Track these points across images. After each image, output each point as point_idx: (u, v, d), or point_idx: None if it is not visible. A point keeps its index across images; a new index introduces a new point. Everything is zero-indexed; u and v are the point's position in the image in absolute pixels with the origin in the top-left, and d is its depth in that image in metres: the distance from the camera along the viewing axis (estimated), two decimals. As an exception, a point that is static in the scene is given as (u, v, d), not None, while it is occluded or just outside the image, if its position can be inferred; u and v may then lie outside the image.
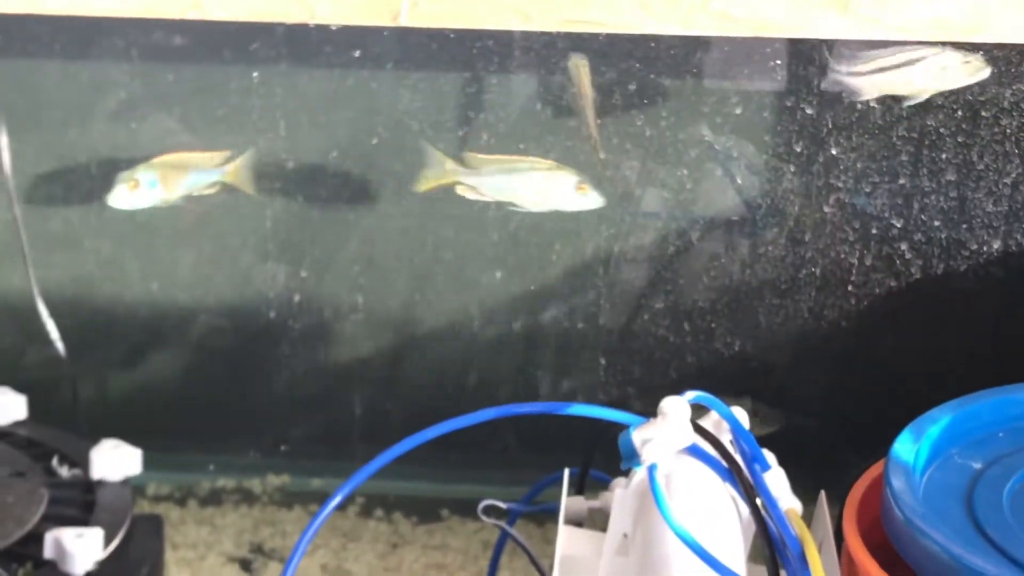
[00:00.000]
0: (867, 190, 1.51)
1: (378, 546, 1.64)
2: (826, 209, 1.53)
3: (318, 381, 1.69)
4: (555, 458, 1.53)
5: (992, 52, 1.42)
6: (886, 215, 1.52)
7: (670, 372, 1.61)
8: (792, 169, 1.52)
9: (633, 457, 1.01)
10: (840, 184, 1.52)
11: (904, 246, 1.54)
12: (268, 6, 1.24)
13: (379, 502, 1.69)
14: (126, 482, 1.30)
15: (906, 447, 1.13)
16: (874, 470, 1.18)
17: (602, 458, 1.17)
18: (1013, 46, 1.38)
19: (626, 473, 1.07)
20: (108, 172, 1.54)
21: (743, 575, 0.98)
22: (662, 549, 1.00)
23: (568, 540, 1.13)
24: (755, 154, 1.53)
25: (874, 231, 1.53)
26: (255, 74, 1.53)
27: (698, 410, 1.08)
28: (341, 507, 1.67)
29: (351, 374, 1.68)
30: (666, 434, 1.01)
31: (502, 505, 1.18)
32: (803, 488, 1.14)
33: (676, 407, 1.03)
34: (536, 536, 1.61)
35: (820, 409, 1.62)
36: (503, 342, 1.65)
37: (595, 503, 1.21)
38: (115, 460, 1.30)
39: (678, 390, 1.06)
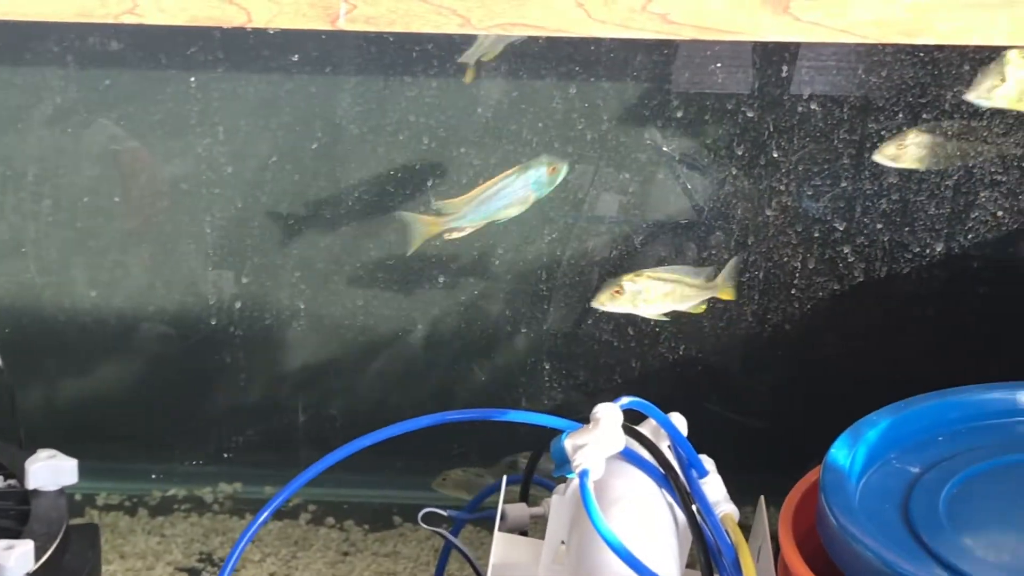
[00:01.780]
0: (809, 193, 1.51)
1: (329, 554, 1.63)
2: (768, 212, 1.53)
3: (266, 388, 1.69)
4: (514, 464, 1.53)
5: (933, 54, 1.43)
6: (828, 218, 1.52)
7: (615, 377, 1.60)
8: (734, 172, 1.52)
9: (565, 464, 1.01)
10: (782, 187, 1.52)
11: (847, 249, 1.54)
12: (205, 10, 1.23)
13: (331, 510, 1.69)
14: (62, 492, 1.28)
15: (843, 452, 1.13)
16: (812, 475, 1.17)
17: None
18: (954, 48, 1.38)
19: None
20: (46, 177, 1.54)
21: (675, 582, 0.98)
22: (596, 557, 0.99)
23: (505, 548, 1.13)
24: (697, 157, 1.53)
25: (817, 234, 1.53)
26: (192, 79, 1.53)
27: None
28: (292, 515, 1.67)
29: (298, 381, 1.68)
30: (598, 440, 1.00)
31: (443, 512, 1.17)
32: (747, 492, 1.14)
33: (608, 413, 1.02)
34: (488, 544, 1.60)
35: (764, 412, 1.62)
36: (450, 348, 1.64)
37: (537, 510, 1.20)
38: (51, 470, 1.28)
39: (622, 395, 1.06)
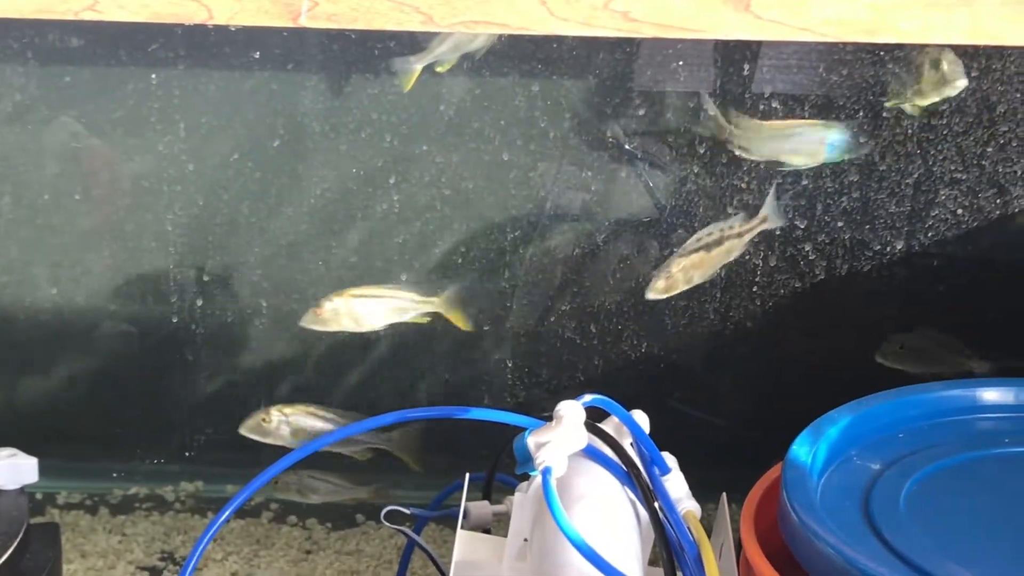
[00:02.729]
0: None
1: (291, 552, 1.62)
2: (730, 210, 1.53)
3: (227, 386, 1.68)
4: (477, 462, 1.52)
5: (893, 52, 1.43)
6: (789, 216, 1.53)
7: (577, 375, 1.61)
8: (696, 170, 1.53)
9: (528, 461, 1.01)
10: (743, 185, 1.52)
11: (808, 247, 1.54)
12: (166, 7, 1.22)
13: (293, 508, 1.68)
14: (22, 491, 1.28)
15: (804, 449, 1.13)
16: (773, 472, 1.17)
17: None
18: (913, 47, 1.39)
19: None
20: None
21: (637, 579, 0.98)
22: (558, 554, 0.99)
23: (468, 546, 1.13)
24: (659, 155, 1.54)
25: (778, 232, 1.53)
26: (153, 76, 1.52)
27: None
28: (254, 513, 1.66)
29: (259, 379, 1.67)
30: (560, 438, 1.00)
31: (406, 510, 1.17)
32: (709, 489, 1.14)
33: (571, 411, 1.02)
34: (451, 542, 1.60)
35: (726, 409, 1.62)
36: (413, 345, 1.64)
37: (500, 508, 1.20)
38: (11, 469, 1.28)
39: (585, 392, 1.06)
